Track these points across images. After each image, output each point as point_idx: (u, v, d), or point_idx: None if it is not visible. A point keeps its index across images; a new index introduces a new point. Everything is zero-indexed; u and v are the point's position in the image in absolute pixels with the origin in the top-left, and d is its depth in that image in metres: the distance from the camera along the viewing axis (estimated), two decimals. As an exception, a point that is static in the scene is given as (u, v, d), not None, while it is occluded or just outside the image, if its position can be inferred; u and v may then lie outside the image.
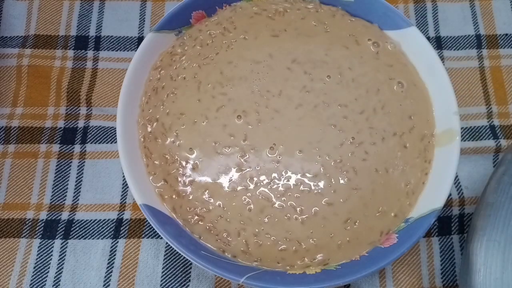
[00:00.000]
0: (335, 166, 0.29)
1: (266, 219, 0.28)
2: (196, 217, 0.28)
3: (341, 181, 0.28)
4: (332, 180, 0.28)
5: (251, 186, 0.28)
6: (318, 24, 0.32)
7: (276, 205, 0.28)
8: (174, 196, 0.28)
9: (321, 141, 0.29)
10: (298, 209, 0.28)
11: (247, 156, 0.29)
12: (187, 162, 0.29)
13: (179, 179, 0.28)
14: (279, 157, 0.29)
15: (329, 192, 0.28)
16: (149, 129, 0.30)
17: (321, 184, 0.28)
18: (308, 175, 0.28)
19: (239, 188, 0.28)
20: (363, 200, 0.28)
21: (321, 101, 0.30)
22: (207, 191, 0.28)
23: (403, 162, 0.29)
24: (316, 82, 0.30)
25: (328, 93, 0.30)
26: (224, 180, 0.28)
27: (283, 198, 0.28)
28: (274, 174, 0.28)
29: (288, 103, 0.30)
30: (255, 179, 0.28)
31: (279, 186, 0.28)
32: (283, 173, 0.28)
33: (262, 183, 0.28)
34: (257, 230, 0.27)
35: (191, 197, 0.28)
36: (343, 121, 0.30)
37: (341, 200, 0.28)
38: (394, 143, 0.29)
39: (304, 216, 0.28)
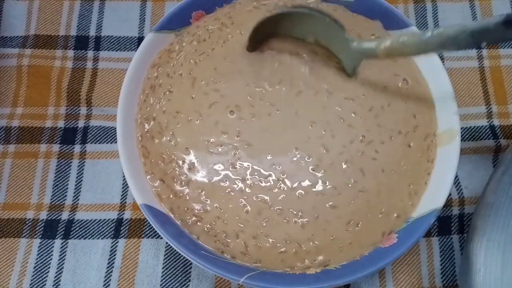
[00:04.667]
0: (341, 165, 0.28)
1: (264, 222, 0.27)
2: (194, 218, 0.28)
3: (348, 183, 0.28)
4: (337, 181, 0.28)
5: (247, 188, 0.28)
6: None
7: (274, 208, 0.27)
8: (171, 196, 0.28)
9: (324, 137, 0.29)
10: (298, 212, 0.27)
11: (241, 154, 0.28)
12: (183, 162, 0.28)
13: (176, 179, 0.28)
14: (276, 155, 0.28)
15: (334, 195, 0.28)
16: (146, 128, 0.30)
17: (325, 186, 0.28)
18: (309, 176, 0.28)
19: (234, 189, 0.28)
20: (367, 203, 0.28)
21: (324, 88, 0.30)
22: (204, 191, 0.28)
23: (407, 162, 0.29)
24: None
25: (332, 82, 0.30)
26: (219, 181, 0.28)
27: (280, 199, 0.27)
28: (271, 174, 0.28)
29: (289, 90, 0.30)
30: (249, 180, 0.28)
31: (276, 188, 0.28)
32: (281, 174, 0.28)
33: (257, 184, 0.28)
34: (255, 232, 0.27)
35: (188, 198, 0.28)
36: (351, 117, 0.29)
37: (346, 203, 0.27)
38: (400, 142, 0.29)
39: (304, 220, 0.27)
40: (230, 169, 0.28)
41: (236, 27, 0.32)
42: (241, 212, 0.27)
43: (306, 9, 0.29)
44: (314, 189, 0.28)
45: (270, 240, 0.27)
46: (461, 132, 0.35)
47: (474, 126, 0.36)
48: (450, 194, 0.33)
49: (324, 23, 0.28)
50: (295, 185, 0.28)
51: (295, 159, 0.28)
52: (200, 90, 0.30)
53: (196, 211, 0.28)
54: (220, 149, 0.28)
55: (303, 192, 0.28)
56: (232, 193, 0.28)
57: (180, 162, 0.28)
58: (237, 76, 0.30)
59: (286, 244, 0.27)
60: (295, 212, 0.27)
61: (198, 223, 0.27)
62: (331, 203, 0.27)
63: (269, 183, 0.28)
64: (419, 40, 0.26)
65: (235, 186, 0.28)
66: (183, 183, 0.28)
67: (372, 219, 0.28)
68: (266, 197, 0.28)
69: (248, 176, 0.28)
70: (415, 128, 0.30)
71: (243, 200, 0.27)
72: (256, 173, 0.28)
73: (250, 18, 0.32)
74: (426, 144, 0.29)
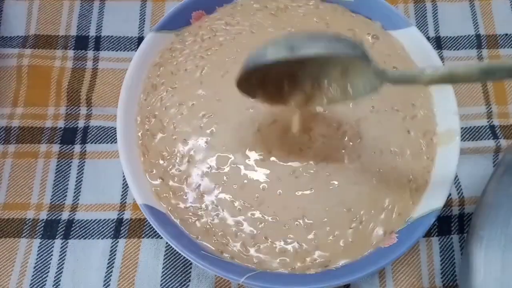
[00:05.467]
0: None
1: (259, 226, 0.27)
2: (193, 216, 0.28)
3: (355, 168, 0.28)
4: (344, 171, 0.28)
5: (235, 186, 0.28)
6: (319, 21, 0.32)
7: (267, 218, 0.27)
8: (170, 195, 0.28)
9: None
10: (302, 217, 0.27)
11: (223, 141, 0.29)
12: (182, 158, 0.29)
13: (174, 176, 0.28)
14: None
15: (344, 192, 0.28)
16: (146, 127, 0.30)
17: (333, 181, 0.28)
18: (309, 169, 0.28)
19: (224, 186, 0.28)
20: (373, 195, 0.28)
21: None
22: (201, 189, 0.28)
23: (408, 148, 0.29)
24: None
25: None
26: (212, 176, 0.28)
27: (274, 212, 0.27)
28: (267, 173, 0.28)
29: None
30: (235, 180, 0.28)
31: (273, 189, 0.28)
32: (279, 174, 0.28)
33: (244, 190, 0.28)
34: (253, 232, 0.27)
35: (186, 196, 0.28)
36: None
37: (356, 199, 0.28)
38: (399, 120, 0.29)
39: (309, 222, 0.27)
40: (219, 163, 0.28)
41: (245, 26, 0.32)
42: (235, 211, 0.27)
43: (317, 49, 0.21)
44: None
45: (269, 240, 0.27)
46: (461, 132, 0.35)
47: (474, 126, 0.36)
48: (450, 194, 0.33)
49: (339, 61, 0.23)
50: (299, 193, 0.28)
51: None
52: (213, 74, 0.30)
53: (195, 209, 0.28)
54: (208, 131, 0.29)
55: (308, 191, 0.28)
56: (224, 192, 0.28)
57: (178, 159, 0.29)
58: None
59: (286, 244, 0.27)
60: (297, 218, 0.27)
61: (197, 222, 0.27)
62: (346, 207, 0.28)
63: (265, 183, 0.28)
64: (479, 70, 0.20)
65: (225, 183, 0.28)
66: (181, 180, 0.28)
67: (375, 215, 0.28)
68: (257, 212, 0.27)
69: (231, 176, 0.28)
70: (413, 117, 0.30)
71: (235, 201, 0.28)
72: (242, 176, 0.28)
73: (256, 21, 0.32)
74: (425, 140, 0.30)
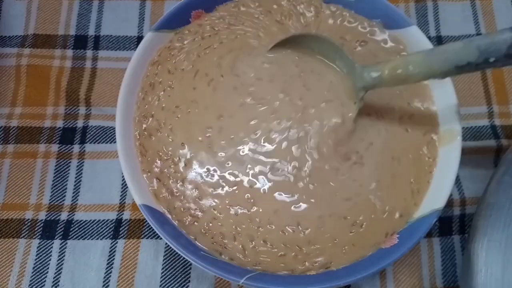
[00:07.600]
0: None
1: (258, 229, 0.27)
2: (191, 218, 0.27)
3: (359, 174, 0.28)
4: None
5: (231, 190, 0.28)
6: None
7: (263, 224, 0.27)
8: (168, 196, 0.28)
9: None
10: (297, 226, 0.27)
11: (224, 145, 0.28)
12: (179, 159, 0.28)
13: (172, 177, 0.28)
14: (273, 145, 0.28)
15: (342, 202, 0.27)
16: (144, 126, 0.29)
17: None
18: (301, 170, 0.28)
19: (219, 190, 0.28)
20: (372, 201, 0.28)
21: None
22: (198, 190, 0.28)
23: (408, 151, 0.29)
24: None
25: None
26: (209, 179, 0.28)
27: (268, 219, 0.27)
28: (265, 171, 0.28)
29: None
30: (233, 184, 0.28)
31: (271, 188, 0.28)
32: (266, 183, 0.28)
33: (238, 194, 0.27)
34: (252, 235, 0.27)
35: (183, 197, 0.28)
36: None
37: (355, 208, 0.27)
38: (401, 131, 0.29)
39: (306, 231, 0.27)
40: (217, 168, 0.28)
41: (249, 27, 0.32)
42: (233, 215, 0.27)
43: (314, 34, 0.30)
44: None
45: (268, 244, 0.27)
46: (462, 132, 0.35)
47: (476, 126, 0.36)
48: (451, 194, 0.33)
49: (331, 45, 0.29)
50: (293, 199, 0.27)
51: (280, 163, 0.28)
52: (202, 81, 0.30)
53: (193, 211, 0.27)
54: (209, 138, 0.28)
55: (306, 216, 0.27)
56: (221, 196, 0.27)
57: (176, 159, 0.28)
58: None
59: (285, 248, 0.27)
60: (293, 225, 0.27)
61: (195, 223, 0.27)
62: (342, 216, 0.27)
63: (250, 199, 0.28)
64: (424, 59, 0.25)
65: (222, 187, 0.28)
66: (178, 181, 0.28)
67: (376, 219, 0.27)
68: (253, 217, 0.27)
69: (229, 181, 0.28)
70: (410, 116, 0.30)
71: (232, 205, 0.27)
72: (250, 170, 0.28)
73: (259, 23, 0.32)
74: (425, 140, 0.29)
